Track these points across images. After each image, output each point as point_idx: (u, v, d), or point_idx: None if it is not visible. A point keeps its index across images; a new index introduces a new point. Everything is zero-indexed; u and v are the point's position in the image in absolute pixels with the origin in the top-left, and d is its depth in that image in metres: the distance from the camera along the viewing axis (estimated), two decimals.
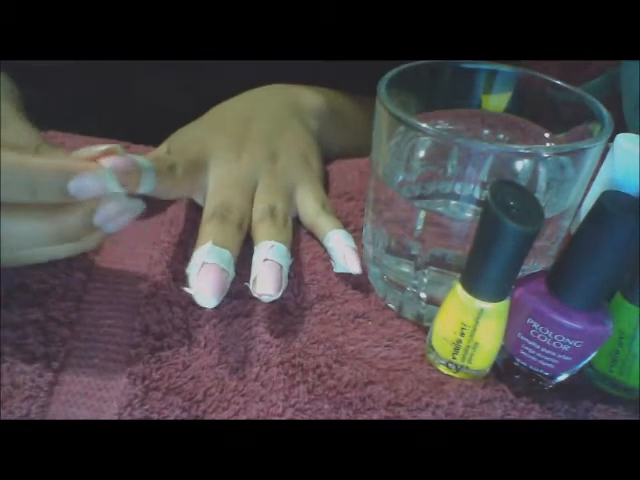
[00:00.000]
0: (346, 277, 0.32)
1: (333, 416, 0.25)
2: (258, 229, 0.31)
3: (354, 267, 0.31)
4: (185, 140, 0.37)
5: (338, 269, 0.31)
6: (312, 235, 0.34)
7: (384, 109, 0.26)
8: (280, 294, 0.28)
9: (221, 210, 0.31)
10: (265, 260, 0.28)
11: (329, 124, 0.42)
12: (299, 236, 0.34)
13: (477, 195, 0.28)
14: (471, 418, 0.25)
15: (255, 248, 0.30)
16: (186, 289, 0.26)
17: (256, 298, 0.29)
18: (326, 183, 0.39)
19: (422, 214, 0.27)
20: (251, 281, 0.28)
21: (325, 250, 0.33)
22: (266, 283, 0.27)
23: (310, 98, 0.41)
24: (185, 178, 0.31)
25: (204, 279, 0.26)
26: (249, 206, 0.32)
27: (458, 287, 0.25)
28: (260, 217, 0.31)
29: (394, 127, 0.26)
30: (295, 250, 0.33)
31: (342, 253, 0.31)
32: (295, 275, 0.32)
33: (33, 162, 0.24)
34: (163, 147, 0.37)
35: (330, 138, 0.42)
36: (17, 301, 0.29)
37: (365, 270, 0.32)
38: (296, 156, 0.36)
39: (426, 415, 0.25)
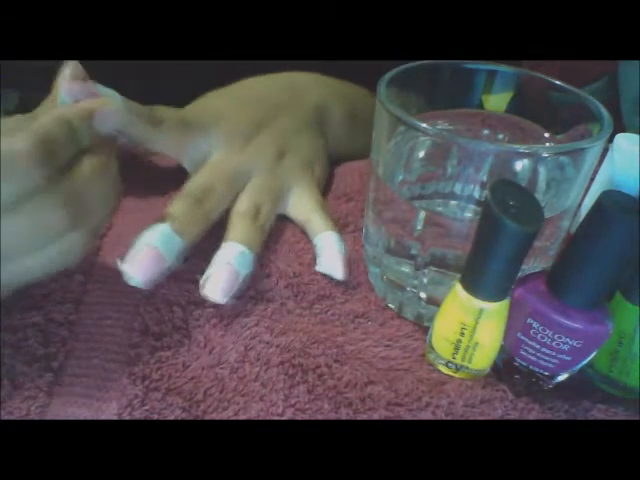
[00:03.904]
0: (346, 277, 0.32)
1: (333, 416, 0.25)
2: (235, 225, 0.30)
3: (339, 272, 0.30)
4: (201, 104, 0.37)
5: (321, 268, 0.31)
6: None
7: (384, 109, 0.26)
8: (226, 300, 0.28)
9: (199, 193, 0.31)
10: (227, 264, 0.28)
11: (347, 135, 0.42)
12: (299, 236, 0.34)
13: (477, 195, 0.28)
14: (471, 418, 0.25)
15: (223, 244, 0.29)
16: (118, 263, 0.27)
17: (257, 298, 0.29)
18: (326, 186, 0.39)
19: (422, 214, 0.27)
20: (204, 277, 0.28)
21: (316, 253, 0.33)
22: (218, 287, 0.27)
23: (337, 110, 0.41)
24: (170, 134, 0.32)
25: (140, 262, 0.26)
26: (230, 198, 0.32)
27: (458, 287, 0.25)
28: (242, 212, 0.31)
29: (394, 127, 0.26)
30: (295, 250, 0.33)
31: (330, 256, 0.31)
32: (295, 275, 0.32)
33: (67, 112, 0.25)
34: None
35: (344, 148, 0.42)
36: (17, 304, 0.29)
37: (365, 270, 0.32)
38: (301, 160, 0.36)
39: (426, 415, 0.25)
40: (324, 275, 0.32)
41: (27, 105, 0.38)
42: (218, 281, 0.28)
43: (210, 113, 0.35)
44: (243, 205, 0.32)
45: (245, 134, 0.35)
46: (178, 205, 0.30)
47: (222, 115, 0.35)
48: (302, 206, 0.34)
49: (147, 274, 0.26)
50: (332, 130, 0.41)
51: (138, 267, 0.26)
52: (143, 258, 0.26)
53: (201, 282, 0.28)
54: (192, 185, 0.31)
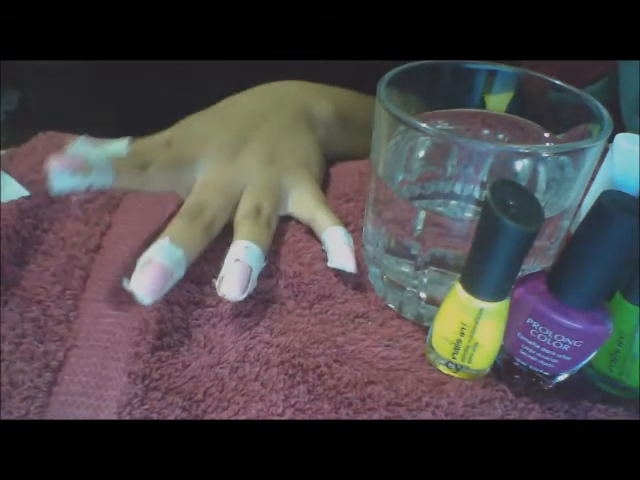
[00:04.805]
0: (346, 277, 0.32)
1: (333, 416, 0.25)
2: (239, 227, 0.31)
3: (350, 266, 0.30)
4: (187, 131, 0.37)
5: (333, 264, 0.31)
6: (312, 235, 0.34)
7: (384, 109, 0.26)
8: (244, 296, 0.28)
9: (194, 209, 0.31)
10: (236, 260, 0.28)
11: (340, 133, 0.42)
12: (299, 236, 0.34)
13: (477, 195, 0.28)
14: (471, 418, 0.25)
15: (231, 246, 0.30)
16: (124, 282, 0.27)
17: (256, 298, 0.28)
18: (325, 186, 0.39)
19: (422, 214, 0.27)
20: (218, 279, 0.28)
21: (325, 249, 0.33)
22: (231, 284, 0.28)
23: (323, 109, 0.41)
24: (160, 176, 0.32)
25: (145, 277, 0.26)
26: (228, 209, 0.32)
27: (458, 287, 0.25)
28: (243, 215, 0.32)
29: (394, 127, 0.26)
30: (295, 250, 0.33)
31: (340, 251, 0.31)
32: (295, 275, 0.32)
33: None
34: (165, 134, 0.36)
35: (340, 145, 0.42)
36: (16, 299, 0.29)
37: (365, 270, 0.32)
38: (296, 161, 0.36)
39: (426, 415, 0.25)
40: (324, 275, 0.32)
41: (27, 105, 0.38)
42: (232, 278, 0.28)
43: (194, 139, 0.35)
44: (244, 208, 0.32)
45: (231, 150, 0.35)
46: (176, 223, 0.30)
47: (206, 138, 0.35)
48: (305, 205, 0.34)
49: (155, 291, 0.27)
50: (325, 131, 0.40)
51: (146, 285, 0.26)
52: (149, 276, 0.27)
53: (216, 284, 0.28)
54: (187, 204, 0.32)
